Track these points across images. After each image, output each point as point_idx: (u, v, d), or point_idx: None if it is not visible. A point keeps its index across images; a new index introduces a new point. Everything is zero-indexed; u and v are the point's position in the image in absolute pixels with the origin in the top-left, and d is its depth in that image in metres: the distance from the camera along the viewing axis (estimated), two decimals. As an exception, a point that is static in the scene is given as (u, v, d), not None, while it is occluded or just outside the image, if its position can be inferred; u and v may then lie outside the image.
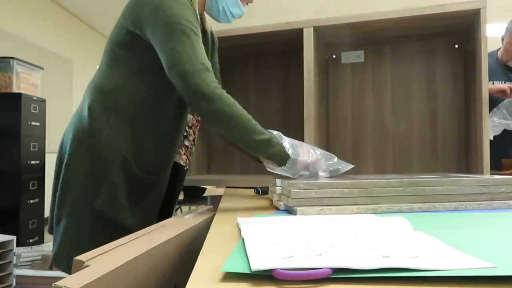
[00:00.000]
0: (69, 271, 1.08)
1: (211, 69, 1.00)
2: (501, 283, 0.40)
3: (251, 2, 1.21)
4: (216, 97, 0.96)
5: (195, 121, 1.43)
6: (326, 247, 0.51)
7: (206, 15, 1.23)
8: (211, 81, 0.97)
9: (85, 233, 1.08)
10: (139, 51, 1.08)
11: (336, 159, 1.09)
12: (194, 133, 1.43)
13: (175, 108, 1.15)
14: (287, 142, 1.03)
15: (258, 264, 0.44)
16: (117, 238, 0.76)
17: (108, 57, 1.12)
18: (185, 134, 1.39)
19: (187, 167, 1.41)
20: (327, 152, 1.10)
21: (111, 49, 1.11)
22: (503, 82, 2.15)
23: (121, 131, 1.09)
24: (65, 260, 1.08)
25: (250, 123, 0.99)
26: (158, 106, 1.11)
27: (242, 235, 0.61)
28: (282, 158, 1.00)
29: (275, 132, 1.04)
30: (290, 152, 1.00)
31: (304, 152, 1.04)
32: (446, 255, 0.46)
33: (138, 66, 1.09)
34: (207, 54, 1.15)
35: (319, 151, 1.07)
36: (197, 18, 1.05)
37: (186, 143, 1.35)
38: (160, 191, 1.22)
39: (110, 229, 1.07)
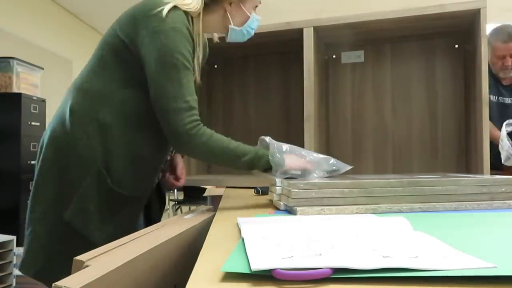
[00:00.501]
0: (38, 277, 1.05)
1: (194, 105, 1.01)
2: (501, 283, 0.40)
3: (258, 5, 1.20)
4: (188, 137, 0.98)
5: None
6: (326, 247, 0.51)
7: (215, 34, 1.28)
8: (190, 121, 0.98)
9: (53, 242, 1.05)
10: (130, 62, 1.05)
11: (332, 160, 1.09)
12: None
13: (158, 133, 1.07)
14: (275, 148, 1.03)
15: (258, 264, 0.44)
16: (81, 252, 0.70)
17: (98, 60, 1.10)
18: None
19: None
20: (325, 156, 1.09)
21: (102, 54, 1.09)
22: (495, 97, 2.13)
23: (99, 142, 1.05)
24: (32, 267, 1.05)
25: (230, 150, 1.01)
26: (140, 125, 1.08)
27: (242, 235, 0.61)
28: (273, 168, 1.03)
29: (267, 138, 1.06)
30: (277, 157, 1.02)
31: (296, 155, 1.05)
32: (446, 255, 0.46)
33: (127, 77, 1.06)
34: (194, 67, 1.13)
35: (316, 155, 1.07)
36: (191, 47, 1.04)
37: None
38: (136, 208, 1.17)
39: (76, 242, 1.03)
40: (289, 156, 1.03)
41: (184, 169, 1.31)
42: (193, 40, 1.05)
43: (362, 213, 0.86)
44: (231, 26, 1.14)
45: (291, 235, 0.59)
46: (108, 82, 1.07)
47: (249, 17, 1.15)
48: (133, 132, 1.07)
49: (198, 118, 1.01)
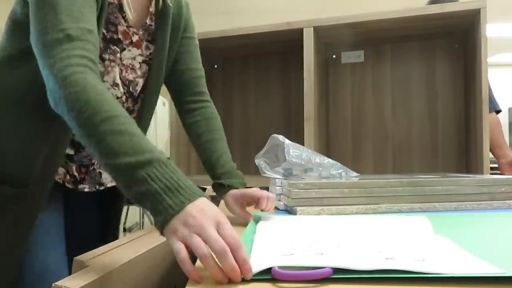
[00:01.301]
0: None
1: (76, 34, 0.65)
2: (501, 283, 0.40)
3: None
4: (59, 80, 0.61)
5: None
6: (330, 246, 0.51)
7: None
8: (62, 57, 0.62)
9: None
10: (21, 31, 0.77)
11: (338, 165, 1.09)
12: None
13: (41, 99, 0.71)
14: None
15: (258, 265, 0.45)
16: None
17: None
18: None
19: (81, 186, 0.90)
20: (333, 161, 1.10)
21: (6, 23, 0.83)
22: None
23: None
24: None
25: (99, 128, 0.56)
26: (20, 92, 0.80)
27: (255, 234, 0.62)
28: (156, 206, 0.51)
29: (280, 137, 0.99)
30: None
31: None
32: (455, 259, 0.45)
33: (17, 48, 0.80)
34: (161, 36, 0.91)
35: (326, 160, 1.08)
36: None
37: (68, 150, 0.86)
38: (22, 216, 0.78)
39: None
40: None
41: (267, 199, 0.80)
42: None
43: (362, 213, 0.86)
44: None
45: (301, 234, 0.60)
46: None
47: None
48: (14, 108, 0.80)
49: (81, 54, 0.64)
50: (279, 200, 0.97)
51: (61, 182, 0.87)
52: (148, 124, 1.02)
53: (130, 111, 0.94)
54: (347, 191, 0.88)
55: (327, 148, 1.78)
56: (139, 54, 0.91)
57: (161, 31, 0.92)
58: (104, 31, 0.83)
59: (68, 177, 0.88)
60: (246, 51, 1.85)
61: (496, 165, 1.73)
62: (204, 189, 1.56)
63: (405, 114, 1.72)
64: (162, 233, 0.51)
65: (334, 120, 1.80)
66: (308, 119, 1.48)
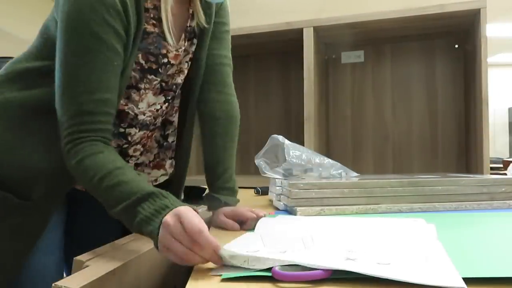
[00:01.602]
0: None
1: (89, 108, 0.69)
2: (501, 283, 0.40)
3: None
4: (65, 156, 0.70)
5: None
6: (297, 245, 0.51)
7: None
8: (68, 133, 0.69)
9: None
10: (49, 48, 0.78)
11: (339, 165, 1.10)
12: None
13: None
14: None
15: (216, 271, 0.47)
16: None
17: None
18: None
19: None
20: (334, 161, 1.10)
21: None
22: None
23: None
24: None
25: (97, 187, 0.66)
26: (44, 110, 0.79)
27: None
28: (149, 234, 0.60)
29: (280, 138, 0.98)
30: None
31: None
32: (423, 267, 0.43)
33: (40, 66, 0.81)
34: (206, 37, 0.91)
35: (326, 160, 1.08)
36: (120, 14, 0.71)
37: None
38: (27, 228, 0.78)
39: None
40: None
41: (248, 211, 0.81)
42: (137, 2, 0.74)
43: (362, 213, 0.86)
44: None
45: (278, 233, 0.60)
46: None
47: None
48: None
49: (85, 128, 0.69)
50: (279, 200, 0.97)
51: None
52: (194, 114, 0.98)
53: (170, 112, 0.95)
54: (347, 191, 0.88)
55: (327, 148, 1.78)
56: (190, 58, 0.92)
57: (201, 33, 0.91)
58: (143, 62, 0.82)
59: None
60: (246, 51, 1.85)
61: (496, 165, 1.73)
62: (204, 189, 1.50)
63: (405, 114, 1.72)
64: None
65: (334, 120, 1.80)
66: (308, 119, 1.48)
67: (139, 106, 0.85)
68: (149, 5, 0.78)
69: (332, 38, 1.66)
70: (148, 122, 0.89)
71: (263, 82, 1.92)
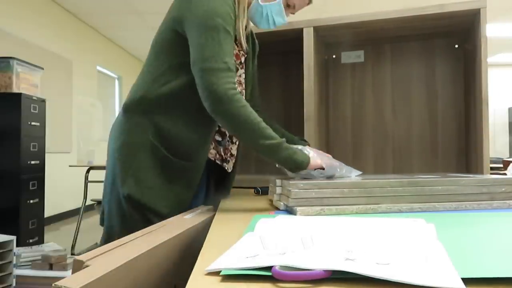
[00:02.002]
0: None
1: (232, 68, 1.01)
2: (501, 283, 0.40)
3: (293, 13, 1.21)
4: (226, 98, 0.97)
5: None
6: (296, 247, 0.51)
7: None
8: (227, 81, 0.98)
9: (117, 223, 1.11)
10: (174, 48, 1.09)
11: (344, 169, 1.09)
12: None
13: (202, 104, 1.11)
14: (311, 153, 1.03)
15: (213, 266, 0.46)
16: (149, 224, 0.89)
17: (148, 60, 1.15)
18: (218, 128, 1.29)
19: (224, 165, 1.29)
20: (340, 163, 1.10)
21: (153, 53, 1.14)
22: None
23: (147, 118, 1.11)
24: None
25: (258, 127, 0.98)
26: (184, 98, 1.11)
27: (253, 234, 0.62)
28: (293, 163, 0.99)
29: (300, 147, 1.04)
30: (310, 155, 1.01)
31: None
32: (422, 268, 0.43)
33: (171, 64, 1.10)
34: (250, 58, 1.25)
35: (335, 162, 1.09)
36: (233, 15, 1.07)
37: (217, 137, 1.25)
38: (193, 177, 1.18)
39: (141, 214, 1.08)
40: (314, 155, 1.02)
41: None
42: (235, 7, 1.08)
43: (362, 213, 0.86)
44: None
45: (278, 235, 0.60)
46: (156, 71, 1.12)
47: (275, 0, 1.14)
48: (177, 106, 1.11)
49: (235, 81, 1.01)
50: (279, 200, 0.97)
51: (212, 159, 1.25)
52: None
53: None
54: (347, 191, 0.88)
55: (327, 148, 1.78)
56: (243, 72, 1.26)
57: (251, 50, 1.28)
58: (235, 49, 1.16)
59: (217, 155, 1.26)
60: (246, 51, 1.85)
61: (496, 165, 1.73)
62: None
63: (405, 114, 1.72)
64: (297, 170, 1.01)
65: (334, 120, 1.80)
66: (308, 119, 1.48)
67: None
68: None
69: (332, 38, 1.66)
70: None
71: (263, 82, 1.92)
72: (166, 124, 1.11)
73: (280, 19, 1.18)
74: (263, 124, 0.99)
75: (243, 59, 1.23)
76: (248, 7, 1.16)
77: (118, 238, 1.02)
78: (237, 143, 1.33)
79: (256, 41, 1.36)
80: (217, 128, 1.26)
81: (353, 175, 1.09)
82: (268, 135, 0.99)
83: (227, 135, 1.29)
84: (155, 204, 1.09)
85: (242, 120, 0.98)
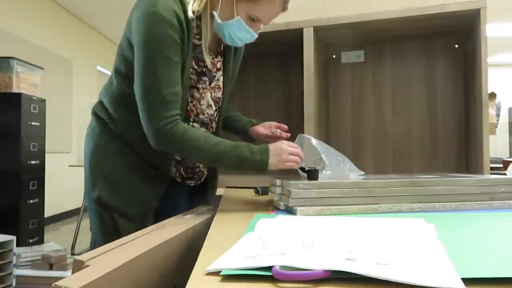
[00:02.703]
0: None
1: (171, 99, 0.97)
2: (501, 283, 0.40)
3: (265, 24, 1.09)
4: (164, 135, 0.97)
5: None
6: (296, 247, 0.51)
7: None
8: (163, 116, 0.96)
9: (95, 227, 1.12)
10: (129, 54, 1.06)
11: (348, 164, 1.10)
12: None
13: None
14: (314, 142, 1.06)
15: (213, 266, 0.46)
16: (117, 227, 0.99)
17: (113, 67, 1.15)
18: None
19: (188, 182, 1.25)
20: (343, 156, 1.11)
21: (116, 57, 1.13)
22: None
23: (112, 120, 1.11)
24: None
25: (205, 150, 0.97)
26: (134, 107, 1.05)
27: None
28: (260, 167, 0.99)
29: (308, 136, 1.09)
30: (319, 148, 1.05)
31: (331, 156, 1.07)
32: (422, 268, 0.43)
33: (125, 69, 1.08)
34: (229, 61, 1.22)
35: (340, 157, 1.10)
36: (178, 34, 0.99)
37: (177, 157, 1.18)
38: (157, 185, 1.16)
39: (110, 216, 1.09)
40: (273, 154, 0.98)
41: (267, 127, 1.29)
42: (187, 22, 1.01)
43: (362, 213, 0.86)
44: (215, 13, 1.05)
45: (279, 235, 0.60)
46: (116, 81, 1.12)
47: (234, 16, 1.03)
48: (130, 114, 1.07)
49: (173, 113, 0.97)
50: (279, 200, 0.97)
51: (173, 176, 1.21)
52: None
53: (217, 120, 1.24)
54: (347, 191, 0.88)
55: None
56: (221, 75, 1.21)
57: (228, 52, 1.22)
58: (196, 67, 1.11)
59: (177, 173, 1.22)
60: (246, 51, 1.84)
61: (496, 165, 1.73)
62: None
63: (405, 114, 1.72)
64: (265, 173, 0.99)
65: (334, 120, 1.80)
66: (308, 119, 1.48)
67: (201, 103, 1.15)
68: (193, 25, 1.05)
69: (332, 38, 1.66)
70: (206, 122, 1.18)
71: (263, 82, 1.92)
72: (124, 130, 1.11)
73: (245, 35, 1.07)
74: (210, 141, 0.98)
75: (219, 65, 1.19)
76: (211, 22, 1.08)
77: (101, 241, 1.06)
78: None
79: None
80: None
81: (355, 175, 1.09)
82: (218, 153, 0.97)
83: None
84: (123, 206, 1.10)
85: (188, 151, 0.99)
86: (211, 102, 1.17)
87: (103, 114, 1.13)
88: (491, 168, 1.39)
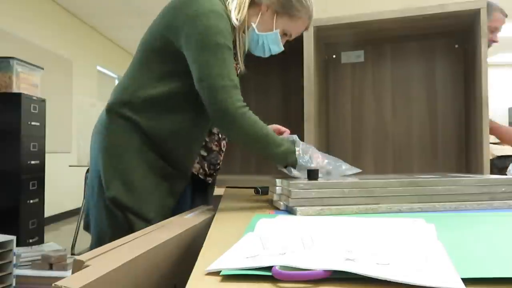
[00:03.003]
0: None
1: (238, 86, 1.03)
2: (501, 283, 0.40)
3: (289, 40, 1.20)
4: (238, 116, 1.00)
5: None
6: (296, 247, 0.51)
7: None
8: (237, 99, 1.01)
9: (105, 227, 1.11)
10: (165, 56, 1.09)
11: (342, 164, 1.10)
12: (213, 144, 1.33)
13: (192, 114, 1.14)
14: (300, 147, 1.07)
15: (213, 266, 0.46)
16: (132, 227, 0.97)
17: (136, 62, 1.14)
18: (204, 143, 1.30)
19: (208, 179, 1.32)
20: (334, 158, 1.11)
21: (142, 55, 1.13)
22: None
23: (134, 120, 1.10)
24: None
25: (268, 139, 1.04)
26: (170, 107, 1.11)
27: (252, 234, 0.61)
28: (294, 165, 1.07)
29: (293, 137, 1.10)
30: (304, 159, 1.06)
31: (316, 158, 1.09)
32: (422, 268, 0.43)
33: (162, 70, 1.10)
34: (236, 52, 1.23)
35: (327, 158, 1.11)
36: (232, 31, 1.07)
37: (203, 152, 1.27)
38: (175, 187, 1.18)
39: (125, 217, 1.08)
40: (315, 156, 1.07)
41: None
42: (232, 25, 1.08)
43: (362, 213, 0.86)
44: (253, 24, 1.13)
45: (278, 235, 0.60)
46: (143, 77, 1.11)
47: (272, 29, 1.14)
48: (162, 115, 1.11)
49: (242, 99, 1.03)
50: (279, 200, 0.97)
51: (196, 173, 1.27)
52: None
53: None
54: (347, 191, 0.88)
55: (327, 148, 1.78)
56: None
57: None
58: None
59: (201, 170, 1.28)
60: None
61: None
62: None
63: (405, 114, 1.72)
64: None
65: (334, 120, 1.80)
66: (308, 119, 1.48)
67: None
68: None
69: (332, 38, 1.66)
70: None
71: (263, 82, 1.92)
72: (153, 129, 1.10)
73: (276, 48, 1.18)
74: (271, 133, 1.05)
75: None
76: (244, 31, 1.15)
77: (110, 242, 1.05)
78: (223, 154, 1.37)
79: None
80: (203, 143, 1.27)
81: (351, 172, 1.09)
82: (278, 143, 1.05)
83: (213, 151, 1.32)
84: (140, 208, 1.09)
85: (254, 137, 1.03)
86: None
87: (127, 113, 1.11)
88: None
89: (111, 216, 1.09)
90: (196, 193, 1.33)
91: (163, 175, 1.13)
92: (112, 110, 1.12)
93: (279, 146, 1.04)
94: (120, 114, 1.11)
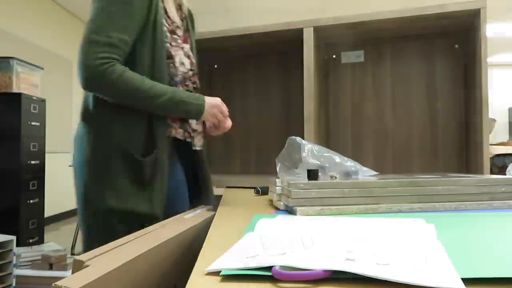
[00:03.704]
0: None
1: (117, 44, 0.96)
2: (501, 283, 0.40)
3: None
4: (97, 73, 0.94)
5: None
6: (296, 247, 0.51)
7: None
8: (101, 56, 0.94)
9: (101, 239, 1.04)
10: None
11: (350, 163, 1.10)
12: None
13: None
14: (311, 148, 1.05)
15: (213, 266, 0.46)
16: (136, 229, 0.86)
17: None
18: None
19: (194, 146, 1.22)
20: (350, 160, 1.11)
21: None
22: None
23: (108, 122, 1.05)
24: None
25: (142, 90, 0.98)
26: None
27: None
28: (196, 111, 1.07)
29: (297, 139, 1.07)
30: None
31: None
32: (422, 268, 0.43)
33: None
34: (191, 35, 1.24)
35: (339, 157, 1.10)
36: None
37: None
38: (160, 178, 1.10)
39: (128, 224, 1.03)
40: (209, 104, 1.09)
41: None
42: None
43: (362, 213, 0.86)
44: None
45: (278, 235, 0.60)
46: None
47: None
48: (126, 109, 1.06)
49: (116, 57, 0.96)
50: (279, 200, 0.97)
51: (182, 139, 1.17)
52: None
53: (192, 80, 1.20)
54: (347, 191, 0.88)
55: (327, 148, 1.78)
56: (189, 48, 1.22)
57: (192, 29, 1.27)
58: (167, 25, 1.12)
59: (185, 133, 1.18)
60: (246, 51, 1.85)
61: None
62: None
63: (405, 114, 1.72)
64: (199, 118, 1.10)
65: (334, 120, 1.80)
66: (308, 119, 1.48)
67: (175, 60, 1.13)
68: None
69: (332, 38, 1.67)
70: (180, 80, 1.15)
71: (263, 82, 1.92)
72: (124, 124, 1.05)
73: None
74: (148, 84, 0.99)
75: (180, 33, 1.19)
76: None
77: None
78: None
79: (192, 16, 1.33)
80: None
81: (365, 175, 1.08)
82: (157, 93, 0.99)
83: None
84: (138, 208, 1.04)
85: (123, 91, 0.97)
86: (184, 61, 1.16)
87: (101, 119, 1.06)
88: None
89: (108, 227, 1.04)
90: (186, 164, 1.27)
91: (146, 174, 1.06)
92: (87, 118, 1.09)
93: (158, 97, 0.99)
94: (94, 119, 1.08)
